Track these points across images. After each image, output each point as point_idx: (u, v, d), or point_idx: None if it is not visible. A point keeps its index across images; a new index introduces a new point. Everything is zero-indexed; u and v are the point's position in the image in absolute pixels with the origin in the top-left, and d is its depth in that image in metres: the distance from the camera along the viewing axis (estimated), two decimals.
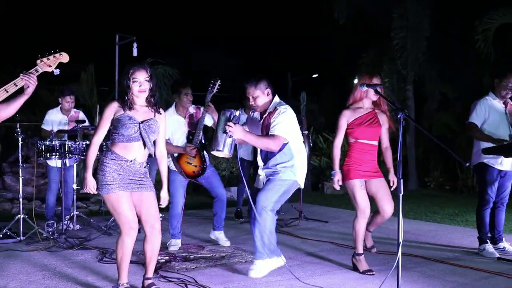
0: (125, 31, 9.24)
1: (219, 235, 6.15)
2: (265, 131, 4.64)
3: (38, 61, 3.76)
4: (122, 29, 9.39)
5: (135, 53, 8.58)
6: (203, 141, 5.92)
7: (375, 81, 4.86)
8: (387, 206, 4.98)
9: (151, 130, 4.02)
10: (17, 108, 3.76)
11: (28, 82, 3.63)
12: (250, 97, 4.68)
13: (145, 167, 4.09)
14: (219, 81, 5.66)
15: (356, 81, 5.10)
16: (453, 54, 12.78)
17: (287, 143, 4.62)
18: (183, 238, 6.25)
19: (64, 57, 3.90)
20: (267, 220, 4.52)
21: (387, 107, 5.03)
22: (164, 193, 4.22)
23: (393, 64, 12.85)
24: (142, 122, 3.99)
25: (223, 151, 4.47)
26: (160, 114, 4.14)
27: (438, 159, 13.60)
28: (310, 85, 17.83)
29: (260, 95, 4.65)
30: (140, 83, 3.98)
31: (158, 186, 4.49)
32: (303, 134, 8.30)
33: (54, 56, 3.83)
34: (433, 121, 13.74)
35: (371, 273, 4.84)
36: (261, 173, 4.84)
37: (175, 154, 5.83)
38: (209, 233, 6.30)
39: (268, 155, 4.71)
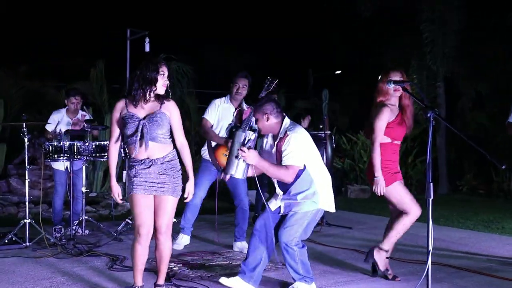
0: (136, 26, 9.31)
1: (242, 245, 6.18)
2: (279, 157, 4.52)
3: None
4: (133, 24, 9.46)
5: (147, 48, 8.65)
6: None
7: (393, 75, 4.79)
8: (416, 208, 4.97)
9: (156, 124, 4.04)
10: None
11: None
12: (259, 123, 4.62)
13: (165, 163, 4.10)
14: (276, 80, 5.58)
15: (380, 77, 5.00)
16: (488, 48, 12.66)
17: (304, 169, 4.49)
18: (198, 244, 6.28)
19: None
20: (295, 255, 4.45)
21: (410, 102, 4.94)
22: (189, 186, 4.24)
23: (423, 60, 12.77)
24: (144, 117, 4.05)
25: (235, 175, 4.50)
26: (167, 103, 4.16)
27: (471, 161, 13.48)
28: (333, 82, 17.80)
29: (260, 119, 4.58)
30: (166, 77, 4.11)
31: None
32: (325, 134, 8.34)
33: None
34: (466, 121, 13.62)
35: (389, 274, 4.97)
36: (277, 203, 4.65)
37: (213, 144, 5.87)
38: (226, 238, 6.33)
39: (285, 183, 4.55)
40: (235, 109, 6.06)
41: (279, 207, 4.59)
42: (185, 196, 4.23)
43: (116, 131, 4.17)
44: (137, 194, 4.05)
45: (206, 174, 5.96)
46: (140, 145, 4.03)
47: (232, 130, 5.78)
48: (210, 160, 5.89)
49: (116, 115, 4.14)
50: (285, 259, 4.48)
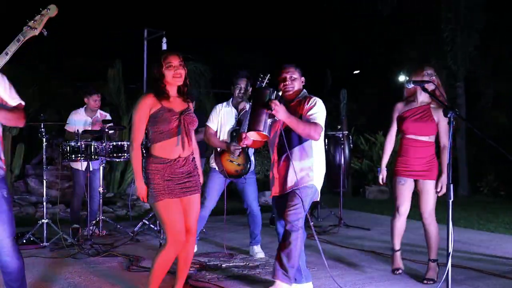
0: (154, 26, 9.33)
1: (257, 249, 6.15)
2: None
3: (25, 28, 3.38)
4: (150, 24, 9.48)
5: (164, 48, 8.66)
6: None
7: (427, 72, 4.90)
8: (421, 210, 5.03)
9: (191, 120, 3.96)
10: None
11: None
12: (288, 76, 4.49)
13: (192, 160, 4.05)
14: (268, 75, 5.58)
15: (404, 77, 5.07)
16: (509, 48, 12.54)
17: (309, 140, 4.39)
18: (214, 245, 6.30)
19: (52, 10, 3.45)
20: (298, 239, 4.28)
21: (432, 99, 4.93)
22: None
23: (442, 59, 12.68)
24: (182, 112, 3.92)
25: (263, 131, 4.14)
26: (191, 104, 4.12)
27: (492, 162, 13.36)
28: (351, 82, 17.75)
29: (298, 79, 4.52)
30: (176, 67, 3.89)
31: None
32: (343, 134, 8.31)
33: (41, 14, 3.41)
34: (486, 121, 13.50)
35: (398, 271, 5.11)
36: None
37: (218, 149, 5.86)
38: (242, 239, 6.33)
39: (283, 147, 4.36)
40: (240, 110, 6.02)
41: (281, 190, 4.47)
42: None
43: (142, 130, 3.89)
44: (171, 199, 3.87)
45: (215, 184, 5.90)
46: (178, 142, 3.88)
47: (233, 134, 5.83)
48: (217, 169, 5.85)
49: (146, 110, 3.85)
50: (283, 246, 4.26)
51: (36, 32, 3.39)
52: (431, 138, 5.01)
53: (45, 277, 5.05)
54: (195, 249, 5.96)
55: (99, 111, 7.36)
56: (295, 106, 4.41)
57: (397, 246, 5.21)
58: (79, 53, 16.76)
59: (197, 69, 12.29)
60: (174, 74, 3.89)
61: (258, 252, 6.09)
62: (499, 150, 3.73)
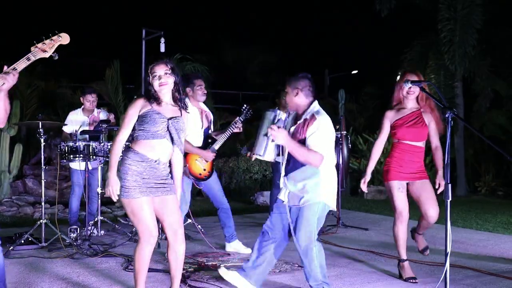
0: (152, 26, 9.33)
1: (236, 245, 6.23)
2: (295, 138, 4.31)
3: (32, 48, 3.49)
4: (148, 23, 9.48)
5: (162, 48, 8.64)
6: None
7: (408, 76, 4.91)
8: (430, 210, 4.97)
9: (180, 128, 4.03)
10: (4, 108, 3.48)
11: (6, 81, 3.35)
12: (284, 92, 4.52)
13: (168, 167, 4.11)
14: (248, 107, 5.94)
15: (398, 79, 5.08)
16: (507, 48, 12.55)
17: None
18: (212, 245, 6.29)
19: (64, 39, 3.58)
20: (313, 258, 4.29)
21: (434, 105, 4.99)
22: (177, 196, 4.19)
23: (440, 59, 12.69)
24: (170, 118, 4.00)
25: (263, 156, 4.35)
26: (184, 112, 4.16)
27: (490, 162, 13.38)
28: (349, 82, 17.78)
29: (289, 92, 4.41)
30: (160, 77, 4.00)
31: None
32: (341, 135, 8.32)
33: (52, 39, 3.53)
34: (484, 121, 13.52)
35: (414, 281, 4.89)
36: (286, 187, 4.47)
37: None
38: (241, 240, 6.33)
39: (292, 162, 4.37)
40: (200, 111, 6.08)
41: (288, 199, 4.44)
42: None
43: (130, 124, 4.01)
44: (143, 198, 3.91)
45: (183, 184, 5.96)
46: (162, 144, 3.96)
47: (208, 142, 6.00)
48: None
49: (136, 109, 4.00)
50: (304, 263, 4.34)
51: (47, 55, 3.52)
52: (424, 143, 5.06)
53: (43, 277, 5.05)
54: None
55: (96, 110, 7.39)
56: (300, 126, 4.31)
57: (405, 255, 5.06)
58: (77, 53, 16.77)
59: (195, 69, 12.29)
60: (160, 83, 4.00)
61: (244, 248, 6.17)
62: (497, 150, 3.73)
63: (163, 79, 3.99)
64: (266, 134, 4.26)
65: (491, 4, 12.33)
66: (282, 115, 4.44)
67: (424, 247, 5.43)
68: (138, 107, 4.00)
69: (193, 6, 20.80)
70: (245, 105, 5.94)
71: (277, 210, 4.51)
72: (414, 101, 5.03)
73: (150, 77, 4.01)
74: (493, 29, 12.55)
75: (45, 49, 3.49)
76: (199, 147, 5.99)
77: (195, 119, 5.99)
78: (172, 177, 4.16)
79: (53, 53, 3.53)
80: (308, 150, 4.17)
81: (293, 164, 4.35)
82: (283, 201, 4.45)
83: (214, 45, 19.60)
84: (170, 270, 4.17)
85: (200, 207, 9.84)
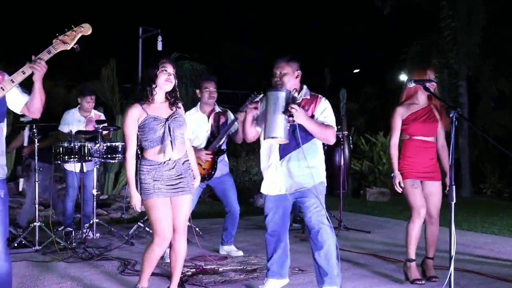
0: (149, 24, 9.34)
1: (228, 248, 6.30)
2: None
3: (54, 40, 3.52)
4: (145, 22, 9.49)
5: (159, 47, 8.67)
6: (222, 147, 6.03)
7: (430, 74, 4.92)
8: (430, 217, 5.04)
9: (179, 124, 4.13)
10: (40, 98, 3.61)
11: (34, 69, 3.47)
12: (278, 72, 4.41)
13: (184, 163, 4.18)
14: (261, 95, 5.65)
15: (406, 77, 5.07)
16: (507, 48, 12.55)
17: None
18: (211, 249, 6.29)
19: (85, 29, 3.57)
20: (330, 241, 4.30)
21: (438, 103, 5.00)
22: (197, 183, 4.36)
23: (444, 58, 12.68)
24: (168, 118, 4.10)
25: (283, 137, 4.13)
26: (180, 108, 4.25)
27: (495, 163, 13.37)
28: (350, 82, 17.78)
29: (289, 73, 4.39)
30: (169, 73, 4.10)
31: None
32: (342, 135, 8.31)
33: (73, 31, 3.53)
34: (488, 121, 13.51)
35: (420, 282, 4.89)
36: (285, 172, 4.41)
37: None
38: (240, 243, 6.34)
39: (290, 145, 4.32)
40: (209, 113, 6.09)
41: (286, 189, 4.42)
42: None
43: (133, 138, 4.12)
44: (158, 198, 4.06)
45: None
46: (167, 147, 4.05)
47: (210, 140, 5.99)
48: None
49: (132, 121, 4.09)
50: (316, 252, 4.31)
51: (68, 47, 3.53)
52: (435, 139, 5.07)
53: (37, 282, 5.03)
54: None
55: (93, 111, 7.39)
56: (308, 104, 4.38)
57: (414, 255, 5.01)
58: (72, 51, 16.75)
59: (193, 68, 12.28)
60: (167, 79, 4.10)
61: (235, 251, 6.25)
62: (502, 151, 3.73)
63: (171, 77, 4.11)
64: (285, 112, 4.07)
65: (491, 4, 12.32)
66: (295, 93, 4.33)
67: (432, 275, 5.11)
68: (135, 117, 4.09)
69: (191, 4, 20.77)
70: (255, 92, 5.81)
71: (274, 210, 4.53)
72: (425, 96, 5.02)
73: (158, 69, 4.08)
74: (493, 29, 12.54)
75: (66, 41, 3.49)
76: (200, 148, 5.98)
77: (201, 126, 6.01)
78: (191, 175, 4.25)
79: (74, 45, 3.54)
80: (325, 126, 4.29)
81: (288, 146, 4.34)
82: (279, 193, 4.45)
83: (212, 44, 19.61)
84: (170, 269, 4.35)
85: (197, 208, 9.81)
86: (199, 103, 6.13)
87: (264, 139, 4.26)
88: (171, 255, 4.30)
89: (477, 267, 5.62)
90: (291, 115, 4.05)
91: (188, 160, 4.24)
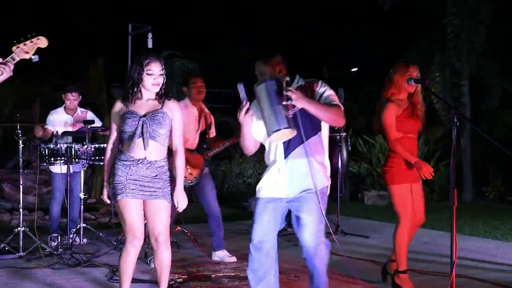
0: (138, 20, 9.32)
1: (221, 255, 6.28)
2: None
3: (14, 48, 3.58)
4: (135, 18, 9.47)
5: (150, 44, 8.63)
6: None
7: (412, 71, 4.83)
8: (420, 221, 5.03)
9: (156, 122, 4.09)
10: None
11: (3, 70, 3.45)
12: (258, 74, 4.06)
13: (161, 166, 4.14)
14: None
15: (398, 67, 4.98)
16: (507, 48, 12.59)
17: (320, 130, 4.00)
18: (204, 254, 6.29)
19: (42, 42, 3.64)
20: (326, 254, 4.05)
21: (420, 99, 4.94)
22: (178, 195, 4.18)
23: (446, 56, 12.70)
24: (145, 115, 4.09)
25: (288, 127, 3.59)
26: (169, 102, 4.21)
27: (498, 165, 13.39)
28: (349, 81, 17.80)
29: (269, 72, 3.96)
30: (155, 76, 4.09)
31: None
32: (340, 136, 8.33)
33: (31, 41, 3.61)
34: (493, 122, 13.55)
35: None
36: (289, 173, 3.93)
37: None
38: (232, 248, 6.34)
39: (294, 140, 3.85)
40: (199, 112, 6.17)
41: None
42: (176, 205, 4.21)
43: (114, 132, 4.27)
44: (128, 198, 4.06)
45: None
46: (139, 144, 4.06)
47: (203, 147, 6.06)
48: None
49: (114, 114, 4.24)
50: (312, 270, 4.05)
51: (27, 57, 3.60)
52: None
53: None
54: None
55: (79, 108, 7.37)
56: (303, 90, 3.89)
57: (405, 265, 4.95)
58: (58, 48, 16.73)
59: (185, 66, 12.26)
60: (153, 82, 4.09)
61: (229, 256, 6.21)
62: (506, 153, 3.74)
63: (157, 79, 4.10)
64: (288, 99, 3.60)
65: (491, 5, 12.35)
66: (287, 78, 3.92)
67: None
68: (116, 110, 4.23)
69: (193, 5, 20.70)
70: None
71: (265, 215, 4.00)
72: (406, 93, 4.94)
73: (144, 72, 4.07)
74: (502, 25, 12.58)
75: (26, 51, 3.58)
76: (192, 151, 6.00)
77: (190, 120, 6.01)
78: (168, 180, 4.20)
79: (33, 55, 3.61)
80: (332, 105, 3.86)
81: (291, 142, 3.87)
82: (282, 196, 3.94)
83: (205, 41, 19.59)
84: (157, 277, 4.33)
85: (189, 213, 9.81)
86: (186, 99, 6.12)
87: (269, 137, 3.71)
88: (155, 263, 4.30)
89: (479, 273, 5.64)
90: (289, 99, 3.58)
91: (165, 166, 4.16)
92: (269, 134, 3.66)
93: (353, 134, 13.55)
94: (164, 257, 4.22)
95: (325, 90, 3.95)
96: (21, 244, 6.26)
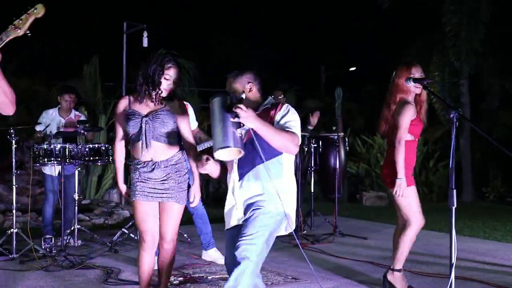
0: (134, 19, 9.32)
1: (213, 254, 6.24)
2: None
3: (10, 26, 3.14)
4: (130, 16, 9.47)
5: (145, 43, 8.64)
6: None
7: (415, 71, 4.79)
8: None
9: (159, 121, 4.09)
10: (2, 91, 3.25)
11: None
12: (228, 92, 3.79)
13: (171, 166, 4.15)
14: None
15: (401, 69, 4.94)
16: (507, 48, 12.62)
17: (281, 153, 3.69)
18: (198, 256, 6.29)
19: (38, 10, 3.17)
20: (246, 273, 3.46)
21: (425, 98, 4.93)
22: (195, 189, 4.33)
23: (445, 55, 12.72)
24: (147, 114, 4.10)
25: (232, 146, 3.38)
26: (174, 102, 4.22)
27: (498, 166, 13.42)
28: (347, 80, 17.83)
29: (239, 89, 3.78)
30: (170, 82, 4.16)
31: None
32: (338, 136, 8.33)
33: (27, 13, 3.14)
34: (492, 122, 13.57)
35: None
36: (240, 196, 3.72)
37: None
38: (222, 250, 6.34)
39: (245, 161, 3.67)
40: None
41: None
42: (191, 200, 4.30)
43: (119, 130, 4.32)
44: (139, 201, 4.14)
45: None
46: (143, 145, 4.08)
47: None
48: None
49: (119, 112, 4.25)
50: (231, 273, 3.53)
51: (20, 33, 3.15)
52: None
53: None
54: None
55: (73, 111, 7.34)
56: (265, 112, 3.73)
57: (402, 265, 4.94)
58: (53, 47, 16.70)
59: (180, 65, 12.27)
60: (167, 88, 4.14)
61: (221, 258, 6.04)
62: (506, 153, 3.74)
63: (172, 86, 4.17)
64: (235, 115, 3.36)
65: (491, 4, 12.37)
66: (243, 94, 3.72)
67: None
68: (121, 108, 4.25)
69: (188, 3, 20.70)
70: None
71: (229, 248, 3.73)
72: (414, 94, 4.90)
73: (163, 73, 4.10)
74: (502, 24, 12.60)
75: (19, 26, 3.12)
76: None
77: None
78: (180, 179, 4.23)
79: (27, 30, 3.16)
80: (285, 131, 3.58)
81: (247, 163, 3.67)
82: (237, 224, 3.71)
83: (201, 41, 19.61)
84: (158, 277, 4.45)
85: (184, 215, 9.80)
86: None
87: (215, 153, 3.45)
88: (158, 262, 4.37)
89: (479, 275, 5.64)
90: (237, 116, 3.33)
91: (178, 163, 4.18)
92: (215, 150, 3.43)
93: (351, 134, 13.58)
94: (168, 256, 4.29)
95: (286, 113, 3.69)
96: (14, 246, 6.25)
